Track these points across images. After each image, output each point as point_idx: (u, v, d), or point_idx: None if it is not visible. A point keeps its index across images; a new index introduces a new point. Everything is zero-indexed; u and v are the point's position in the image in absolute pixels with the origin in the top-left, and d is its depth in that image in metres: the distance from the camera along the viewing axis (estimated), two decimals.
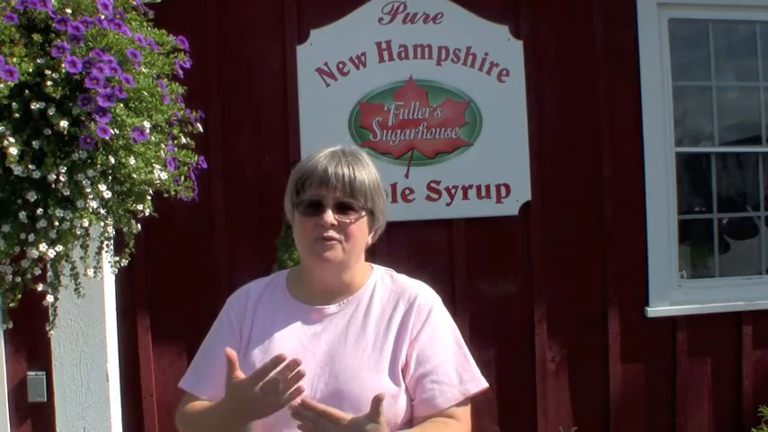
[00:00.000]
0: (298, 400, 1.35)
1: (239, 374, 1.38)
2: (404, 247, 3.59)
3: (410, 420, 1.50)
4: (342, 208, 1.50)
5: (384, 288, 1.59)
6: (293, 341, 1.52)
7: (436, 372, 1.50)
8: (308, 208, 1.51)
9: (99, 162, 1.56)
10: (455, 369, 1.52)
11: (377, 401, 1.33)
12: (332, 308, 1.56)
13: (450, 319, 1.59)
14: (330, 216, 1.49)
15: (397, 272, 1.66)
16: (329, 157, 1.53)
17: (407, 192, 3.62)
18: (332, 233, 1.49)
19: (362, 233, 1.54)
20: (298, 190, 1.55)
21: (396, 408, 1.47)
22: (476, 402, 1.56)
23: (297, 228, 1.55)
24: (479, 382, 1.55)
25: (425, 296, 1.58)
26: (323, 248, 1.50)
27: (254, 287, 1.64)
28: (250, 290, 1.64)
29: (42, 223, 1.58)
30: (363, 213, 1.53)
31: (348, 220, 1.50)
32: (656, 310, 3.80)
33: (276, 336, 1.53)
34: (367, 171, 1.54)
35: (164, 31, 1.81)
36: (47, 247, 1.60)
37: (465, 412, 1.52)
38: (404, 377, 1.49)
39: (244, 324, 1.57)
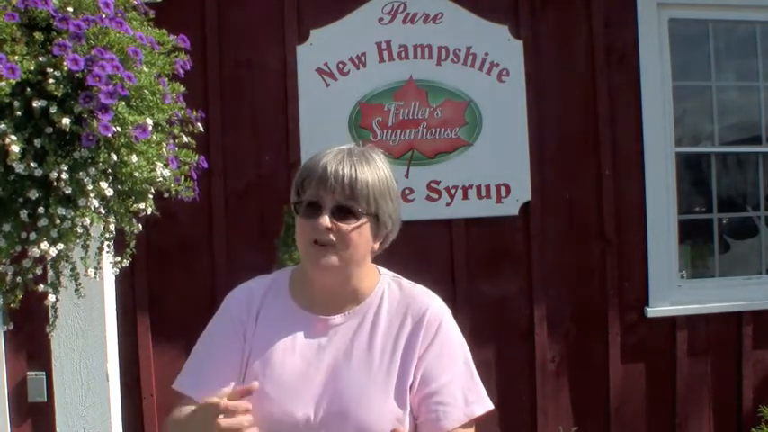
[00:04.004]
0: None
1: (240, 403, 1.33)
2: (403, 247, 3.55)
3: None
4: (341, 212, 1.41)
5: (392, 298, 1.51)
6: (296, 355, 1.45)
7: (441, 392, 1.44)
8: (306, 209, 1.43)
9: (101, 160, 1.55)
10: (461, 390, 1.46)
11: None
12: (337, 318, 1.48)
13: (459, 334, 1.52)
14: (326, 220, 1.39)
15: (396, 273, 1.62)
16: (333, 156, 1.43)
17: (407, 192, 3.62)
18: (328, 238, 1.40)
19: (363, 239, 1.45)
20: (298, 189, 1.46)
21: (402, 429, 1.42)
22: None
23: (296, 229, 1.48)
24: (485, 404, 1.49)
25: (435, 309, 1.50)
26: (318, 254, 1.42)
27: (257, 287, 1.54)
28: (252, 290, 1.54)
29: (43, 222, 1.57)
30: (365, 219, 1.43)
31: (346, 226, 1.41)
32: (656, 310, 3.80)
33: (278, 346, 1.45)
34: (374, 172, 1.43)
35: (164, 30, 1.81)
36: (48, 245, 1.59)
37: None
38: (409, 394, 1.44)
39: (247, 327, 1.48)
